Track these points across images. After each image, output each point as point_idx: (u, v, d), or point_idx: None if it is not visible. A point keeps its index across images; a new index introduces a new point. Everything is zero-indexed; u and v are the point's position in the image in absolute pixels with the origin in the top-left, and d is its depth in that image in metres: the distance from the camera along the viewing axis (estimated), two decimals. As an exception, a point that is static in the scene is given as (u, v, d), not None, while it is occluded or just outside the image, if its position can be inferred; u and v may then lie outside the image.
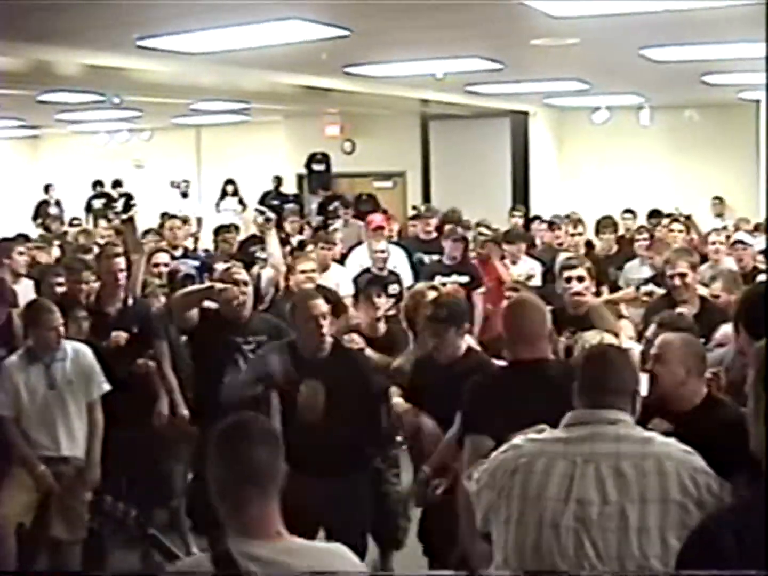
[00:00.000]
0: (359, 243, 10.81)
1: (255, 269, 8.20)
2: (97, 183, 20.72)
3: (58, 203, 20.24)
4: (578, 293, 6.28)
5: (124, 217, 18.95)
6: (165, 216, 15.24)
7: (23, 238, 9.96)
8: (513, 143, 16.35)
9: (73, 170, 21.34)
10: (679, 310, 6.31)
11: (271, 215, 8.25)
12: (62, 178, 21.02)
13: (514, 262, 9.70)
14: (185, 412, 6.70)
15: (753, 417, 2.67)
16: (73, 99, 12.88)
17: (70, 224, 16.44)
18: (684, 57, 9.68)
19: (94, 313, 6.80)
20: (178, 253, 9.59)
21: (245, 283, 6.30)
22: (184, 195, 19.95)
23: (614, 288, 9.01)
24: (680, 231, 10.10)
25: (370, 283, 7.77)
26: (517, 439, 3.50)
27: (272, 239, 7.99)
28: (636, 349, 5.60)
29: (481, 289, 9.07)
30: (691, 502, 3.17)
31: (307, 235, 12.96)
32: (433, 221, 11.30)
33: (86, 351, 6.20)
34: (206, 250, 11.64)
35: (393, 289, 8.65)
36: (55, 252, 9.95)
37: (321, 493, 5.33)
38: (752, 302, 4.27)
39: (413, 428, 5.54)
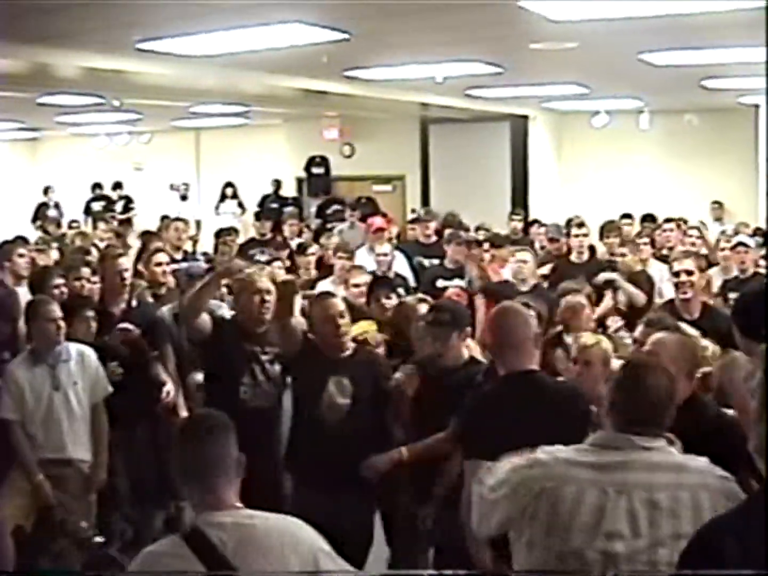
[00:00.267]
0: (361, 245, 10.81)
1: None
2: (97, 185, 20.75)
3: (57, 205, 20.26)
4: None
5: (122, 217, 18.99)
6: (165, 219, 15.27)
7: (22, 240, 9.94)
8: (512, 147, 16.36)
9: (73, 172, 21.35)
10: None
11: None
12: (61, 180, 21.03)
13: (502, 266, 9.74)
14: (185, 413, 6.67)
15: (756, 418, 2.66)
16: (73, 101, 12.87)
17: (69, 227, 16.47)
18: (683, 61, 9.68)
19: (98, 312, 6.79)
20: (179, 255, 9.58)
21: (268, 292, 5.95)
22: (184, 198, 19.97)
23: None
24: (699, 237, 10.14)
25: (379, 285, 7.68)
26: (542, 455, 3.32)
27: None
28: None
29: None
30: None
31: (306, 238, 12.96)
32: (433, 225, 11.31)
33: (90, 353, 6.21)
34: (205, 253, 11.64)
35: (400, 291, 8.63)
36: (54, 254, 9.94)
37: (330, 505, 5.19)
38: (747, 304, 4.29)
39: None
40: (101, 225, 14.41)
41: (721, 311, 6.86)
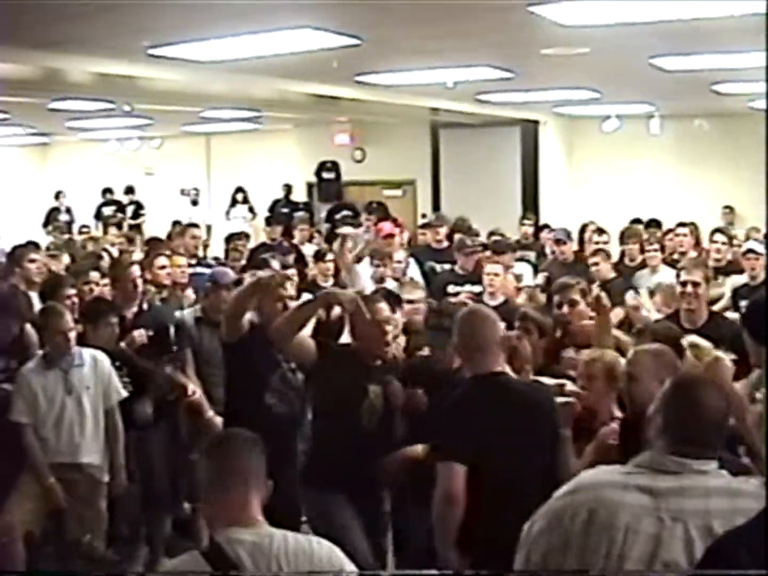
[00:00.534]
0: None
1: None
2: (107, 190, 20.79)
3: (68, 210, 20.34)
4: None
5: (132, 223, 19.04)
6: (176, 224, 15.28)
7: (33, 245, 9.96)
8: (523, 152, 16.34)
9: (83, 177, 21.41)
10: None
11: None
12: (72, 185, 21.09)
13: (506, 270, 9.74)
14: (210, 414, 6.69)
15: (755, 420, 2.65)
16: (84, 107, 12.92)
17: (79, 232, 16.50)
18: (694, 66, 9.68)
19: None
20: (194, 261, 9.63)
21: (291, 299, 6.01)
22: (194, 203, 20.01)
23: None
24: (724, 243, 10.04)
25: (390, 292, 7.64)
26: (586, 478, 3.17)
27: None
28: None
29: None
30: None
31: (317, 243, 12.96)
32: (443, 230, 11.27)
33: (103, 358, 6.23)
34: (216, 258, 11.65)
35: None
36: (66, 259, 9.95)
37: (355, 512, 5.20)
38: (758, 309, 4.29)
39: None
40: (112, 230, 14.44)
41: (727, 319, 6.84)
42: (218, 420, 6.53)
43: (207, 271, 8.57)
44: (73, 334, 6.11)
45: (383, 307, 5.43)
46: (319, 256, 10.00)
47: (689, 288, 6.79)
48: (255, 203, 19.28)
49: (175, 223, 16.03)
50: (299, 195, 19.04)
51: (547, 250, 11.62)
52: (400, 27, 7.64)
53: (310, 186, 18.99)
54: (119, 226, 15.79)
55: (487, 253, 10.03)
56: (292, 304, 5.90)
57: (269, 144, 19.39)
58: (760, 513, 2.65)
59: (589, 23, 7.34)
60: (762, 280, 8.44)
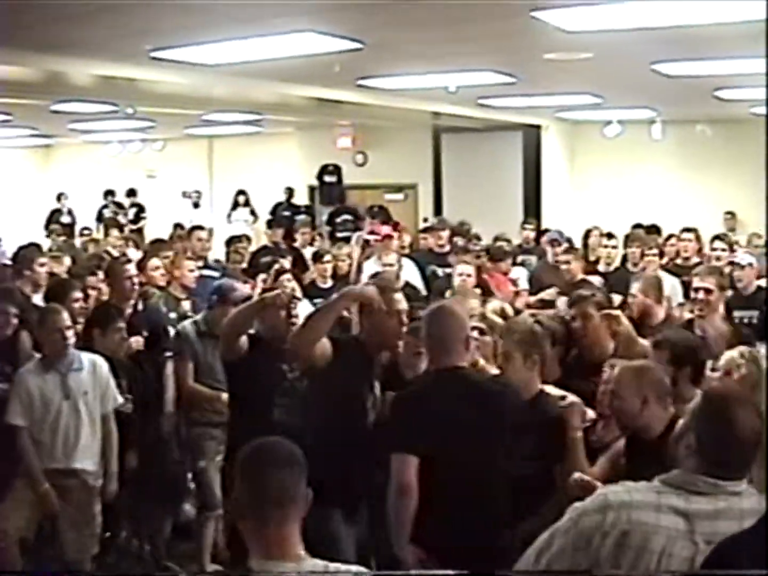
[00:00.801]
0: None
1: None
2: (109, 192, 20.80)
3: (70, 212, 20.35)
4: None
5: (134, 227, 19.06)
6: (177, 226, 15.30)
7: (36, 247, 9.99)
8: (525, 156, 16.34)
9: (86, 180, 21.44)
10: None
11: None
12: (74, 187, 21.12)
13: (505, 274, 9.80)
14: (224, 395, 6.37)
15: None
16: (86, 109, 12.92)
17: (81, 234, 16.52)
18: (696, 72, 9.68)
19: None
20: (200, 264, 9.63)
21: (292, 305, 5.70)
22: (196, 205, 20.03)
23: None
24: (723, 250, 9.91)
25: None
26: (617, 498, 3.02)
27: None
28: None
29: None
30: None
31: (318, 246, 12.96)
32: (445, 234, 11.27)
33: (102, 363, 6.17)
34: (217, 261, 11.65)
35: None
36: (67, 261, 9.96)
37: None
38: None
39: None
40: (114, 232, 14.44)
41: (739, 327, 6.80)
42: (223, 396, 6.26)
43: (215, 274, 8.58)
44: (70, 333, 6.03)
45: (400, 297, 5.21)
46: (317, 258, 10.02)
47: (701, 295, 6.72)
48: (257, 206, 19.29)
49: (177, 225, 16.06)
50: (301, 198, 19.03)
51: (549, 255, 11.62)
52: (403, 31, 7.64)
53: (312, 189, 18.98)
54: (120, 228, 15.78)
55: (484, 258, 10.07)
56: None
57: (271, 147, 19.41)
58: (761, 518, 2.65)
59: (591, 29, 7.34)
60: (753, 290, 8.22)
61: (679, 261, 10.45)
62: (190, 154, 20.82)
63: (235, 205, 19.48)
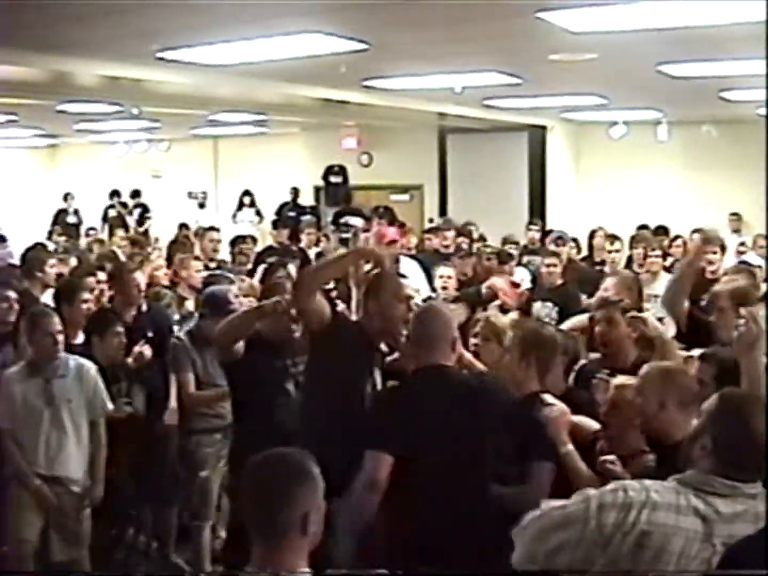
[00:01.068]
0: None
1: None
2: (115, 193, 20.83)
3: (76, 212, 20.39)
4: None
5: (139, 228, 19.08)
6: (182, 227, 15.30)
7: (42, 247, 10.02)
8: (530, 157, 16.34)
9: (91, 180, 21.47)
10: None
11: None
12: (80, 187, 21.15)
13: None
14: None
15: None
16: (92, 109, 12.94)
17: (86, 234, 16.54)
18: (702, 73, 9.67)
19: None
20: (213, 265, 9.69)
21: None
22: (201, 206, 20.06)
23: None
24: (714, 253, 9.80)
25: None
26: (639, 497, 2.96)
27: None
28: None
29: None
30: None
31: (323, 246, 12.96)
32: (450, 234, 11.28)
33: (90, 368, 6.04)
34: (223, 261, 11.67)
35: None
36: (73, 262, 9.98)
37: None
38: None
39: None
40: (120, 232, 14.46)
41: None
42: (227, 391, 6.12)
43: (230, 276, 8.60)
44: (61, 338, 5.89)
45: (408, 284, 5.13)
46: (320, 257, 10.05)
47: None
48: (262, 206, 19.30)
49: (182, 225, 16.08)
50: (306, 199, 19.05)
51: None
52: (408, 32, 7.64)
53: (317, 190, 18.99)
54: (125, 227, 15.81)
55: (483, 258, 10.07)
56: None
57: (277, 147, 19.42)
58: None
59: (596, 29, 7.34)
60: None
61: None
62: (196, 155, 20.84)
63: (241, 205, 19.49)
